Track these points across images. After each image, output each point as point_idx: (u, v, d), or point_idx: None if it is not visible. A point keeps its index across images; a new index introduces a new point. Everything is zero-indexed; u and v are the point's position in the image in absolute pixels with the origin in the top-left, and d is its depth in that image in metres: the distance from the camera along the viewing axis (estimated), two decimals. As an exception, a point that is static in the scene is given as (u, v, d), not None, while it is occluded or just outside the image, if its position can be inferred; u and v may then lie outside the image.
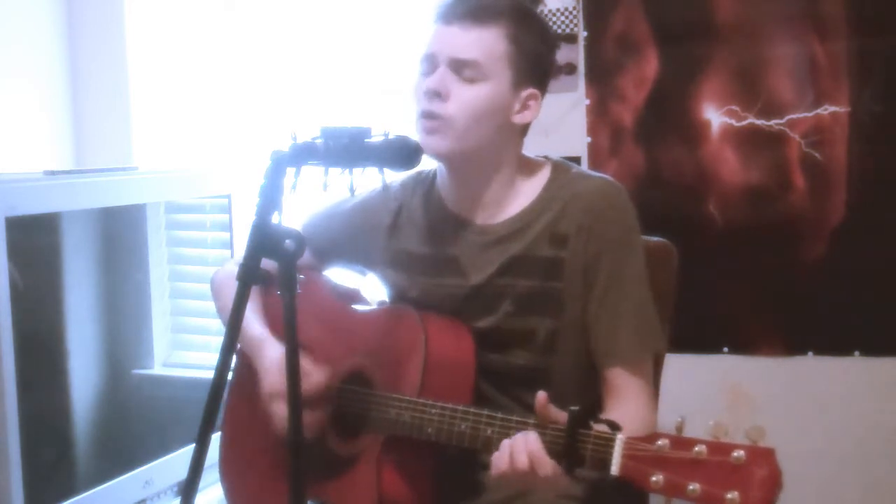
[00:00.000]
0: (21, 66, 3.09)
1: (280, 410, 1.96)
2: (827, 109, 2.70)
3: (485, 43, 1.89)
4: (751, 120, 2.75)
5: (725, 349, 2.84)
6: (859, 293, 2.71)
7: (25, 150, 3.06)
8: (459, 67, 1.89)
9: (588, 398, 1.94)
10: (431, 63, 1.92)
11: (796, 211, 2.74)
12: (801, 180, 2.73)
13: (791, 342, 2.78)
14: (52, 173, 2.54)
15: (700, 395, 2.81)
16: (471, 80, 1.89)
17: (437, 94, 1.89)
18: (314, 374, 1.96)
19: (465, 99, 1.89)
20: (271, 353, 2.01)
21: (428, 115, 1.90)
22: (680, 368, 2.51)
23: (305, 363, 1.91)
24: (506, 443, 1.69)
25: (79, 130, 3.25)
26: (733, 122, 2.76)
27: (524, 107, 1.94)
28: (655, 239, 2.14)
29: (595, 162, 2.86)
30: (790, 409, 2.79)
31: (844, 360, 2.74)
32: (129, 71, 3.20)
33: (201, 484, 1.62)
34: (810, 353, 2.78)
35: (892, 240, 2.68)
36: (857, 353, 2.73)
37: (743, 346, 2.82)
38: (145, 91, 3.24)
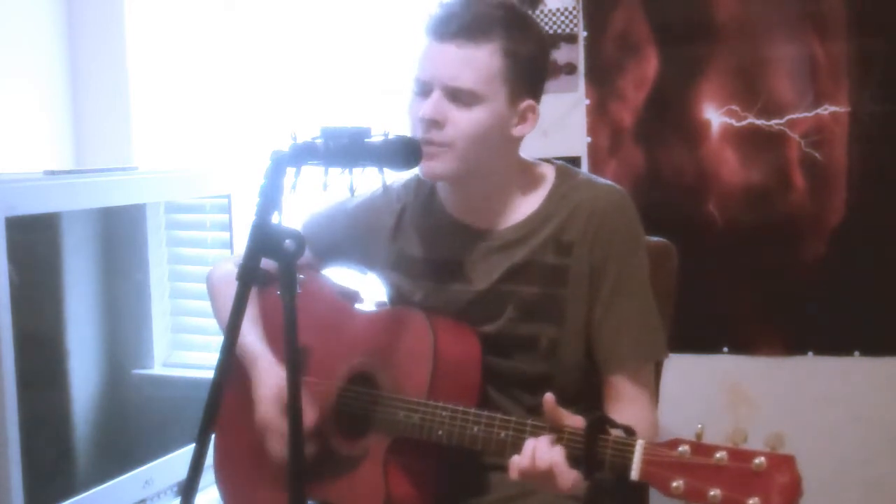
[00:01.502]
0: (21, 66, 3.09)
1: (273, 443, 1.97)
2: (827, 109, 2.70)
3: (479, 64, 1.86)
4: (751, 120, 2.75)
5: (725, 349, 2.84)
6: (859, 293, 2.71)
7: (25, 150, 3.06)
8: (454, 93, 1.86)
9: (590, 404, 1.94)
10: (425, 86, 1.89)
11: (796, 211, 2.74)
12: (801, 180, 2.73)
13: (791, 342, 2.78)
14: (52, 173, 2.54)
15: (700, 395, 2.81)
16: (467, 105, 1.86)
17: (435, 123, 1.87)
18: (307, 411, 1.94)
19: (463, 124, 1.87)
20: (265, 376, 2.01)
21: (426, 143, 1.87)
22: (680, 368, 2.51)
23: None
24: (529, 443, 1.68)
25: (79, 130, 3.25)
26: (733, 122, 2.76)
27: (522, 119, 1.92)
28: (655, 239, 2.14)
29: (595, 162, 2.86)
30: (790, 409, 2.79)
31: (844, 360, 2.74)
32: (129, 71, 3.20)
33: (201, 484, 1.62)
34: (810, 353, 2.78)
35: (892, 240, 2.68)
36: (857, 353, 2.73)
37: (743, 346, 2.82)
38: (145, 91, 3.24)
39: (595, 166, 2.84)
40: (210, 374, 1.60)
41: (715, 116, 2.78)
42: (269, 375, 2.00)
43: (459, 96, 1.86)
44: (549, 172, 2.00)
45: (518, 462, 1.68)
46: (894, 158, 2.67)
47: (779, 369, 2.80)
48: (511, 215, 1.98)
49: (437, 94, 1.87)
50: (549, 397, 1.68)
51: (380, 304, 2.12)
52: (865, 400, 2.74)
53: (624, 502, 2.00)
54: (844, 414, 2.76)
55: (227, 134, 3.27)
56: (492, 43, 1.86)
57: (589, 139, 2.88)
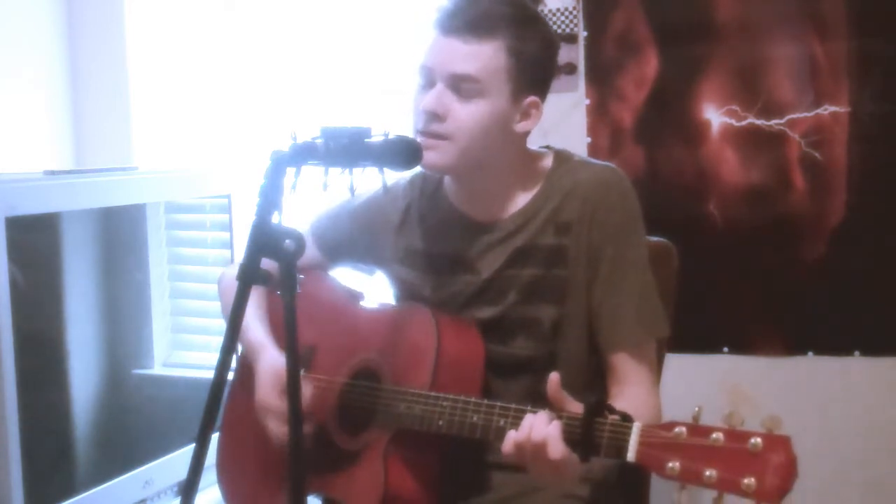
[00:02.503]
0: (21, 67, 3.09)
1: (271, 425, 1.98)
2: (827, 109, 2.70)
3: (483, 58, 1.87)
4: (751, 120, 2.75)
5: (725, 349, 2.84)
6: (859, 293, 2.71)
7: (25, 150, 3.06)
8: (457, 83, 1.88)
9: (595, 387, 1.95)
10: (429, 77, 1.91)
11: (796, 211, 2.74)
12: (801, 180, 2.73)
13: (791, 342, 2.79)
14: (52, 173, 2.54)
15: (700, 395, 2.80)
16: (469, 97, 1.87)
17: (436, 115, 1.88)
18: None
19: (464, 117, 1.88)
20: (267, 362, 2.02)
21: (427, 134, 1.89)
22: (680, 368, 2.51)
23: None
24: (528, 417, 1.68)
25: (79, 130, 3.25)
26: (733, 122, 2.77)
27: (525, 115, 1.94)
28: (655, 239, 2.14)
29: (595, 162, 2.86)
30: (790, 409, 2.79)
31: (844, 360, 2.74)
32: (129, 71, 3.21)
33: (201, 484, 1.62)
34: (810, 353, 2.78)
35: (892, 240, 2.68)
36: (857, 353, 2.73)
37: (743, 346, 2.82)
38: (145, 91, 3.24)
39: (595, 166, 2.84)
40: (210, 374, 1.60)
41: (715, 116, 2.78)
42: (271, 362, 2.01)
43: (462, 85, 1.87)
44: (546, 157, 2.02)
45: (514, 435, 1.68)
46: (894, 158, 2.67)
47: (779, 369, 2.80)
48: (513, 204, 1.99)
49: (439, 87, 1.89)
50: (554, 376, 1.69)
51: (383, 305, 2.13)
52: (865, 400, 2.75)
53: (626, 502, 2.01)
54: (844, 414, 2.76)
55: (227, 134, 3.27)
56: (496, 40, 1.88)
57: (589, 139, 2.88)
